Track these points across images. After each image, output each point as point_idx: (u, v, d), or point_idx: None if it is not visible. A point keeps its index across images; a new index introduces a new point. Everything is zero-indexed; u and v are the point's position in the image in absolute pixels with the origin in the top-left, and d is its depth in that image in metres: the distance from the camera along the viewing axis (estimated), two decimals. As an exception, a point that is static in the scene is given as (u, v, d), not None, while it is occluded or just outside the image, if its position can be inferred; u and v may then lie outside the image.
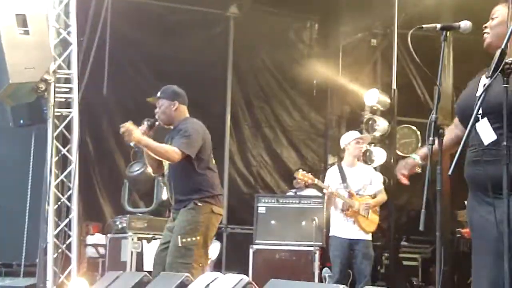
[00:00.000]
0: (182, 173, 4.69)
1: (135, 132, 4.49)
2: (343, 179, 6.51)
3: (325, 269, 6.94)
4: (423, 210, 2.74)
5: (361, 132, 7.69)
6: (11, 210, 8.56)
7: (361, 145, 6.67)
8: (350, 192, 6.48)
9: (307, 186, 7.59)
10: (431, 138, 2.82)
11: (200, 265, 4.61)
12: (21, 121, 8.15)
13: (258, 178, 9.27)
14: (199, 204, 4.65)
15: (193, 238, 4.57)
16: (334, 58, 8.94)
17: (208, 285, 3.42)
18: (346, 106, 9.26)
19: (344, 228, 6.41)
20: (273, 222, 7.35)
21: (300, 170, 6.87)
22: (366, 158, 7.85)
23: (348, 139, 6.63)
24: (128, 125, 4.52)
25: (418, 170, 3.19)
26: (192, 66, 8.73)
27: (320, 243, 7.16)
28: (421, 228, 2.75)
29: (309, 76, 9.04)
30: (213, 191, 4.75)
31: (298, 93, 9.44)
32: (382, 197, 6.62)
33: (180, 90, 4.91)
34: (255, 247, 7.17)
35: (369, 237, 6.44)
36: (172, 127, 4.87)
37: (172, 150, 4.56)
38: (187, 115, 4.88)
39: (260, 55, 9.41)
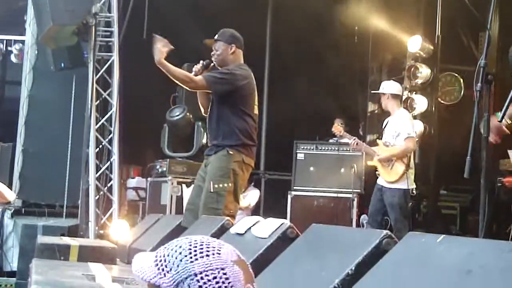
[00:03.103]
0: (220, 117, 4.68)
1: (162, 55, 4.47)
2: (383, 128, 6.50)
3: (363, 216, 6.94)
4: (468, 157, 2.69)
5: (402, 79, 7.56)
6: (53, 153, 8.72)
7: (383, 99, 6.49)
8: (376, 142, 6.50)
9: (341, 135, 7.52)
10: (479, 84, 2.75)
11: (231, 211, 4.62)
12: (62, 65, 8.22)
13: (297, 124, 9.22)
14: (231, 152, 4.63)
15: (224, 185, 4.57)
16: (376, 3, 8.72)
17: (249, 228, 3.43)
18: (387, 52, 9.08)
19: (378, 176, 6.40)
20: (311, 168, 7.36)
21: (337, 121, 6.84)
22: (407, 105, 7.73)
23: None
24: (161, 46, 4.49)
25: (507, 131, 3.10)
26: (236, 9, 8.62)
27: (359, 190, 7.16)
28: (466, 175, 2.71)
29: (350, 22, 8.87)
30: (246, 141, 4.71)
31: (339, 39, 9.28)
32: (401, 148, 6.28)
33: (238, 34, 4.83)
34: (293, 193, 7.21)
35: (394, 186, 6.26)
36: None
37: (191, 77, 4.55)
38: (242, 61, 4.81)
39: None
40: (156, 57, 4.46)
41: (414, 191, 6.32)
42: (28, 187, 9.01)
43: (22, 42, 10.43)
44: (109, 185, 7.12)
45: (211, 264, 1.29)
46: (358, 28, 8.97)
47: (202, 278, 1.28)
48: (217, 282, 1.28)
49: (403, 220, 6.21)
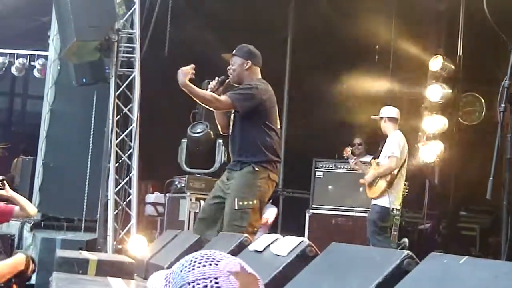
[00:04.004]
0: (244, 133, 4.68)
1: (186, 77, 4.47)
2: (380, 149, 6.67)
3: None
4: (491, 178, 2.66)
5: (423, 99, 7.56)
6: (73, 167, 8.78)
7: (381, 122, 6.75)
8: (371, 162, 6.78)
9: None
10: (502, 105, 2.73)
11: (255, 229, 4.62)
12: (84, 80, 8.30)
13: (316, 142, 9.19)
14: (257, 168, 4.62)
15: (250, 202, 4.56)
16: (398, 21, 8.70)
17: (268, 246, 3.41)
18: (408, 71, 9.05)
19: None
20: (330, 187, 7.34)
21: (356, 140, 6.94)
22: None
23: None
24: (186, 68, 4.51)
25: None
26: (255, 27, 8.65)
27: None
28: (488, 196, 2.68)
29: (371, 40, 8.86)
30: (272, 157, 4.70)
31: (359, 57, 9.26)
32: (384, 167, 6.54)
33: (255, 50, 4.84)
34: (312, 211, 7.18)
35: (375, 202, 6.49)
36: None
37: (216, 98, 4.54)
38: (259, 76, 4.80)
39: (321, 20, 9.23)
40: (180, 80, 4.45)
41: (395, 211, 6.44)
42: (47, 201, 9.07)
43: (45, 57, 10.58)
44: (128, 200, 7.13)
45: (204, 273, 1.32)
46: (378, 47, 8.96)
47: (193, 286, 1.30)
48: None
49: (377, 236, 6.34)
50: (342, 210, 7.15)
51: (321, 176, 7.33)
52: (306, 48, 9.33)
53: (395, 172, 6.47)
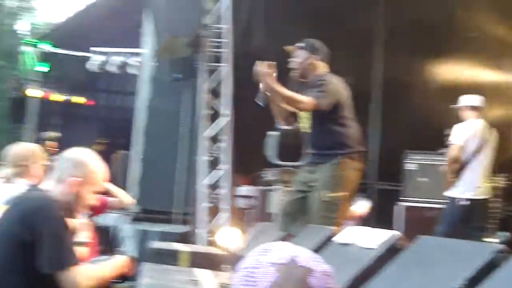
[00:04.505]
0: (324, 126, 4.62)
1: (270, 79, 4.31)
2: None
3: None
4: None
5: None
6: (169, 161, 9.00)
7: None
8: None
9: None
10: None
11: (344, 220, 4.61)
12: (176, 75, 8.49)
13: (409, 134, 9.00)
14: (344, 160, 4.57)
15: (339, 193, 4.53)
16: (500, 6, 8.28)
17: (356, 238, 3.37)
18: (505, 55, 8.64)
19: None
20: (422, 179, 7.16)
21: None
22: None
23: None
24: (267, 68, 4.34)
25: None
26: (345, 18, 8.54)
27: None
28: None
29: (470, 27, 8.53)
30: (357, 147, 4.67)
31: (455, 47, 8.97)
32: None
33: (322, 45, 4.74)
34: (403, 204, 7.04)
35: (446, 193, 6.31)
36: (305, 81, 4.72)
37: (304, 100, 4.44)
38: (324, 71, 4.71)
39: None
40: (264, 83, 4.33)
41: (465, 201, 6.14)
42: (145, 195, 9.35)
43: (140, 54, 10.89)
44: (220, 192, 7.24)
45: (250, 262, 1.40)
46: (479, 34, 8.61)
47: (238, 272, 1.39)
48: (245, 277, 1.37)
49: (446, 227, 6.12)
50: (435, 203, 6.95)
51: (413, 168, 7.17)
52: (399, 39, 9.11)
53: (461, 160, 6.20)
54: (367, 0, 8.94)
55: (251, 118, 8.83)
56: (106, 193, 5.38)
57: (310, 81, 4.69)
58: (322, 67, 4.72)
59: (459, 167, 6.21)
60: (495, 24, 7.94)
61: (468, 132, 6.30)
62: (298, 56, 4.69)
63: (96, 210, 5.22)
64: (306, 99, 4.45)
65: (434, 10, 8.27)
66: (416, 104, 8.82)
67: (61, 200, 2.63)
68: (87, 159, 2.76)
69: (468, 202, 6.15)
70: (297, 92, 4.58)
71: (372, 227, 3.50)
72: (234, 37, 7.31)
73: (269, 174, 7.46)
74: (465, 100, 6.47)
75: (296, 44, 4.72)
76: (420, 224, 6.71)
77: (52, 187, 2.70)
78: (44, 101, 13.28)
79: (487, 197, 6.23)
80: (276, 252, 1.41)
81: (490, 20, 7.97)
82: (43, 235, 2.44)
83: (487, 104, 6.66)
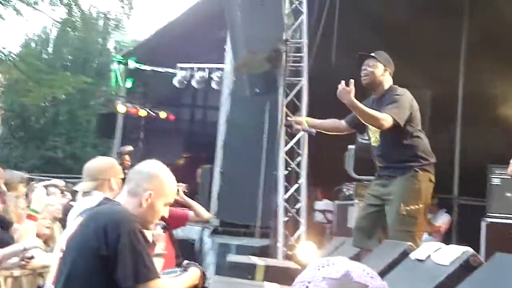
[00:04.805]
0: (396, 140, 4.58)
1: (348, 95, 4.30)
2: None
3: None
4: None
5: None
6: (248, 175, 9.08)
7: None
8: None
9: None
10: None
11: (422, 232, 4.61)
12: (257, 90, 8.56)
13: (493, 148, 8.72)
14: (419, 172, 4.55)
15: (416, 206, 4.49)
16: None
17: (430, 254, 3.31)
18: None
19: None
20: (508, 194, 6.91)
21: None
22: None
23: None
24: (346, 88, 4.33)
25: None
26: (422, 30, 8.39)
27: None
28: None
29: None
30: (430, 158, 4.63)
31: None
32: None
33: (391, 59, 4.78)
34: (488, 220, 6.81)
35: None
36: (374, 92, 4.75)
37: (383, 117, 4.41)
38: (391, 84, 4.72)
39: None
40: (346, 100, 4.32)
41: None
42: (225, 208, 9.47)
43: (223, 69, 11.09)
44: (297, 207, 7.24)
45: (305, 276, 1.45)
46: None
47: (294, 286, 1.45)
48: None
49: None
50: (523, 219, 6.69)
51: (499, 183, 6.93)
52: (480, 52, 8.87)
53: None
54: (449, 14, 8.76)
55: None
56: (186, 206, 5.49)
57: (379, 92, 4.72)
58: (390, 81, 4.75)
59: None
60: None
61: None
62: (372, 66, 4.70)
63: (176, 223, 5.33)
64: (385, 117, 4.42)
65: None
66: (499, 117, 8.57)
67: (135, 213, 2.66)
68: (159, 171, 2.79)
69: None
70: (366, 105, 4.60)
71: (458, 243, 3.43)
72: (311, 51, 7.33)
73: (348, 188, 7.41)
74: None
75: (371, 53, 4.73)
76: (507, 240, 6.47)
77: (125, 200, 2.75)
78: (130, 116, 13.69)
79: None
80: (330, 267, 1.42)
81: None
82: (121, 249, 2.46)
83: None
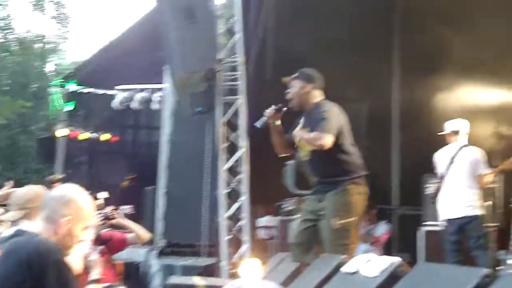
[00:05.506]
0: (327, 155, 4.65)
1: (301, 131, 4.62)
2: None
3: (501, 252, 6.57)
4: None
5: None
6: (192, 194, 9.06)
7: None
8: None
9: None
10: None
11: (355, 244, 4.69)
12: (197, 109, 8.58)
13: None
14: (350, 186, 4.64)
15: (349, 219, 4.58)
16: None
17: (360, 266, 3.40)
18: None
19: None
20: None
21: None
22: None
23: None
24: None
25: None
26: (357, 45, 8.58)
27: (497, 223, 6.84)
28: None
29: (483, 50, 8.49)
30: (361, 171, 4.74)
31: (471, 67, 8.89)
32: None
33: (316, 74, 4.86)
34: (424, 228, 6.99)
35: None
36: (302, 110, 4.86)
37: (321, 137, 4.51)
38: (320, 99, 4.82)
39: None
40: (297, 138, 4.62)
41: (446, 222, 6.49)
42: (171, 228, 9.42)
43: (163, 90, 11.05)
44: (240, 224, 7.27)
45: None
46: (492, 57, 8.57)
47: None
48: None
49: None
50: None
51: (433, 192, 7.11)
52: (415, 64, 9.10)
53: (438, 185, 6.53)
54: (381, 29, 9.00)
55: (270, 148, 8.89)
56: (125, 228, 5.46)
57: (308, 110, 4.80)
58: (318, 95, 4.83)
59: (434, 192, 6.55)
60: (506, 45, 7.91)
61: (443, 158, 6.56)
62: (294, 86, 4.79)
63: (117, 247, 5.29)
64: (322, 136, 4.50)
65: (448, 34, 8.28)
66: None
67: (53, 240, 2.61)
68: (75, 196, 2.72)
69: (446, 223, 6.39)
70: (299, 122, 4.75)
71: (397, 253, 3.52)
72: (248, 69, 7.42)
73: (288, 204, 7.48)
74: (448, 125, 6.73)
75: (292, 76, 4.83)
76: (440, 248, 6.64)
77: (42, 227, 2.67)
78: (73, 140, 13.51)
79: (473, 214, 6.28)
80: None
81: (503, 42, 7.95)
82: (48, 282, 2.41)
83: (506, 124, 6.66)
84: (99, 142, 13.84)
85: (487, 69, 8.16)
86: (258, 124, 4.88)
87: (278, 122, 4.87)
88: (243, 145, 7.35)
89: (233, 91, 7.41)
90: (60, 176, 9.59)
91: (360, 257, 3.57)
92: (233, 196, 7.41)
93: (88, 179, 12.66)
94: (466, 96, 8.54)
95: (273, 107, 4.80)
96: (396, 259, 3.21)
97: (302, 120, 4.83)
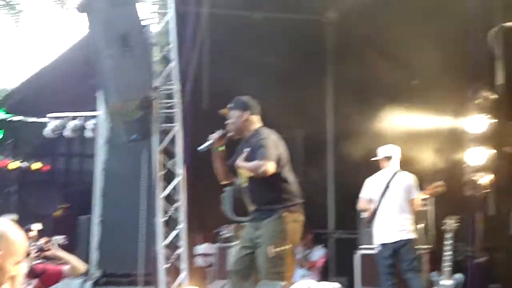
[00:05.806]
0: (265, 182, 4.69)
1: (241, 161, 4.64)
2: None
3: (433, 273, 6.75)
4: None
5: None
6: (125, 223, 8.94)
7: None
8: None
9: None
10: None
11: (292, 272, 4.69)
12: (132, 137, 8.50)
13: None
14: (284, 214, 4.68)
15: (284, 247, 4.60)
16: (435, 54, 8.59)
17: (301, 293, 3.42)
18: (448, 103, 8.90)
19: None
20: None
21: None
22: None
23: None
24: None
25: None
26: (291, 74, 8.75)
27: (430, 246, 7.02)
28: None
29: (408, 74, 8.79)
30: (296, 199, 4.78)
31: (397, 91, 9.17)
32: None
33: (251, 101, 4.91)
34: (360, 252, 7.11)
35: None
36: (243, 137, 4.90)
37: (263, 164, 4.55)
38: (258, 125, 4.88)
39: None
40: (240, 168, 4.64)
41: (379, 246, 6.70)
42: (106, 258, 9.24)
43: (96, 117, 10.90)
44: (178, 252, 7.22)
45: None
46: (417, 81, 8.86)
47: None
48: None
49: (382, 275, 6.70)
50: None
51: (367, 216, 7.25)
52: (348, 88, 9.31)
53: (371, 210, 6.73)
54: (315, 58, 9.19)
55: (207, 175, 8.88)
56: (60, 260, 5.34)
57: (246, 137, 4.86)
58: (255, 121, 4.89)
59: (370, 217, 6.70)
60: (433, 73, 8.20)
61: (377, 183, 6.79)
62: (232, 117, 4.85)
63: (51, 280, 5.17)
64: (263, 164, 4.53)
65: (379, 64, 8.54)
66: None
67: None
68: (5, 230, 2.58)
69: (380, 247, 6.59)
70: (239, 149, 4.79)
71: (332, 276, 3.56)
72: (183, 97, 7.43)
73: (226, 231, 7.49)
74: (381, 151, 7.00)
75: (227, 106, 4.88)
76: (375, 271, 6.76)
77: None
78: (1, 170, 13.14)
79: (407, 238, 6.49)
80: None
81: (431, 70, 8.24)
82: None
83: (438, 149, 6.91)
84: (30, 171, 13.51)
85: (416, 96, 8.42)
86: (201, 148, 4.89)
87: (222, 148, 4.89)
88: (180, 172, 7.33)
89: (169, 119, 7.40)
90: None
91: (299, 284, 3.59)
92: (170, 223, 7.36)
93: (19, 210, 12.31)
94: (397, 122, 8.77)
95: (219, 132, 4.81)
96: (335, 285, 3.26)
97: (240, 147, 4.86)
